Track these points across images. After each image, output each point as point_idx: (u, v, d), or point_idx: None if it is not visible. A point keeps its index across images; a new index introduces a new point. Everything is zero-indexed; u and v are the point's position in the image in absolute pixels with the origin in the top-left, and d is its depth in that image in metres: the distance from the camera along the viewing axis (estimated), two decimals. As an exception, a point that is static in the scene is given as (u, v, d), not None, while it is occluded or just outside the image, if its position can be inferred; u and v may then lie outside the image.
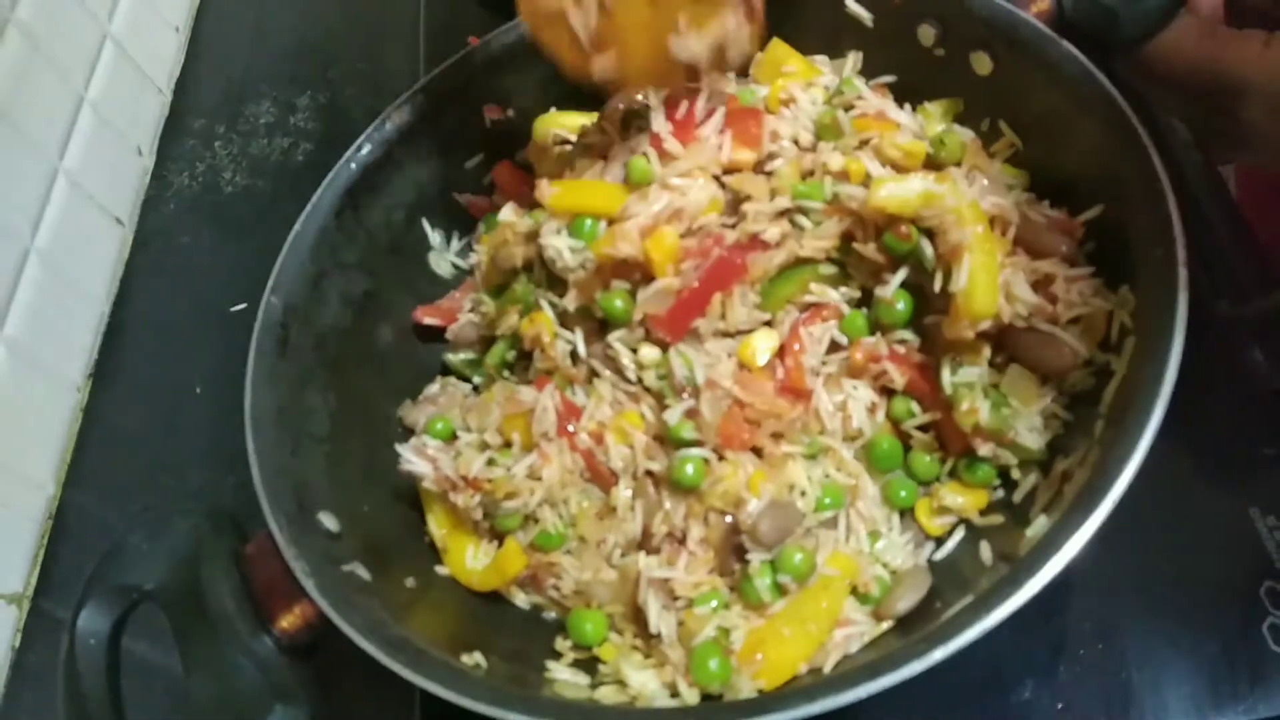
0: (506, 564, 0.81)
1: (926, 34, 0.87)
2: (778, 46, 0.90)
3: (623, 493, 0.79)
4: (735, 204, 0.80)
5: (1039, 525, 0.68)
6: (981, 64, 0.85)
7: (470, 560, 0.82)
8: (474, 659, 0.73)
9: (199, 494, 1.03)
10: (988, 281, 0.71)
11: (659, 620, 0.74)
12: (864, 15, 0.90)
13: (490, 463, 0.80)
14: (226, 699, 0.70)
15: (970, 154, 0.83)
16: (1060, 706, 0.75)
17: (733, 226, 0.79)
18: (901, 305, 0.77)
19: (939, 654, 0.59)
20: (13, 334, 1.05)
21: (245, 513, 0.76)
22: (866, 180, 0.78)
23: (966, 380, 0.74)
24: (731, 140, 0.81)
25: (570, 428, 0.80)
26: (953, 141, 0.82)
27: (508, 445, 0.82)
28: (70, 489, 1.08)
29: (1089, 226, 0.77)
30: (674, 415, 0.76)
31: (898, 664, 0.60)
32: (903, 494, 0.78)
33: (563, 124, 1.00)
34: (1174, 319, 0.65)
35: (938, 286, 0.73)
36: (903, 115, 0.84)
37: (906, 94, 0.90)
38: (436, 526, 0.85)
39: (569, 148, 0.99)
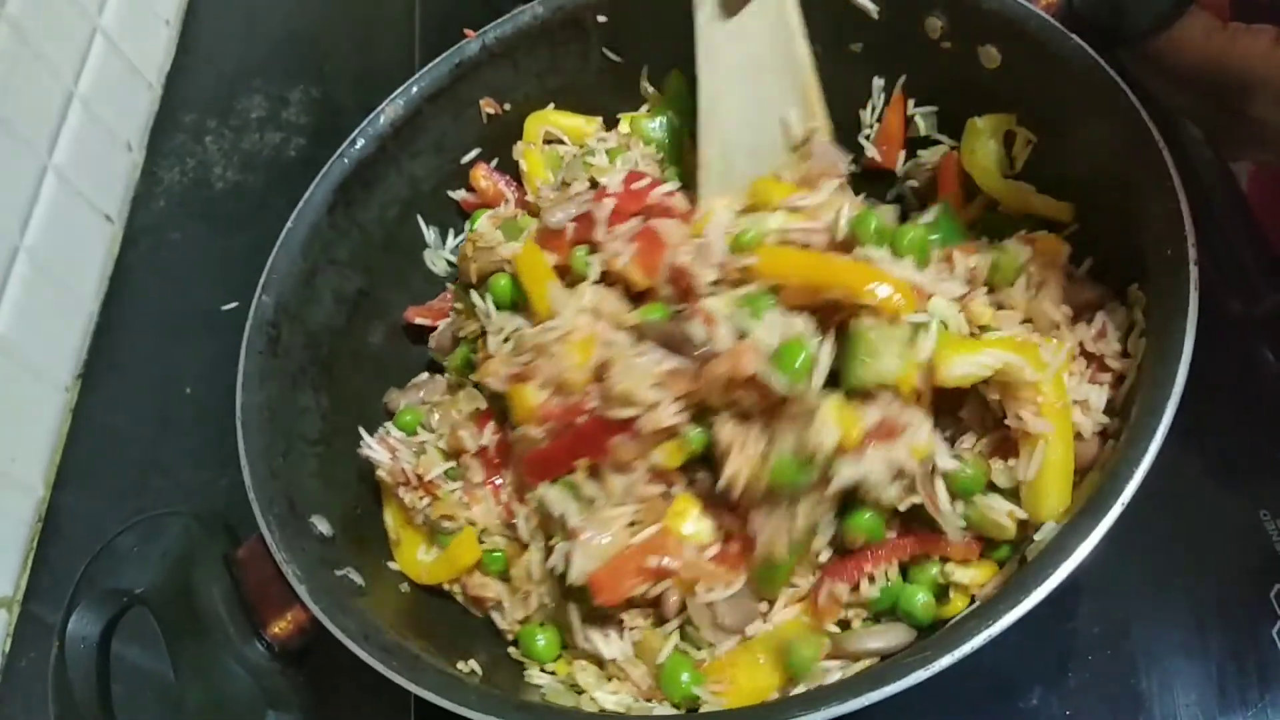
0: (459, 554, 0.79)
1: (933, 26, 0.86)
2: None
3: (533, 562, 0.76)
4: (601, 371, 0.72)
5: (1047, 529, 0.67)
6: (989, 57, 0.84)
7: (421, 554, 0.81)
8: (469, 665, 0.73)
9: (190, 496, 1.02)
10: (1061, 485, 0.65)
11: (609, 649, 0.72)
12: (870, 7, 0.88)
13: (449, 473, 0.80)
14: (218, 705, 0.69)
15: (1032, 265, 0.75)
16: (1068, 713, 0.74)
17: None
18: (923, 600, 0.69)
19: (945, 661, 0.58)
20: (1, 333, 1.04)
21: (237, 515, 0.76)
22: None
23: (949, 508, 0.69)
24: (634, 256, 0.78)
25: (497, 480, 0.79)
26: (1008, 264, 0.73)
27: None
28: (60, 491, 1.07)
29: (1101, 224, 0.76)
30: (557, 559, 0.71)
31: (902, 672, 0.58)
32: (919, 601, 0.69)
33: (555, 123, 0.99)
34: (1185, 319, 0.64)
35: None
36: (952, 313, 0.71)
37: (916, 89, 0.88)
38: (392, 519, 0.83)
39: (559, 148, 0.98)
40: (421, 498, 0.79)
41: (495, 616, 0.79)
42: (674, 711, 0.70)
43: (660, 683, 0.70)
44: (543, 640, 0.75)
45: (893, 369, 0.67)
